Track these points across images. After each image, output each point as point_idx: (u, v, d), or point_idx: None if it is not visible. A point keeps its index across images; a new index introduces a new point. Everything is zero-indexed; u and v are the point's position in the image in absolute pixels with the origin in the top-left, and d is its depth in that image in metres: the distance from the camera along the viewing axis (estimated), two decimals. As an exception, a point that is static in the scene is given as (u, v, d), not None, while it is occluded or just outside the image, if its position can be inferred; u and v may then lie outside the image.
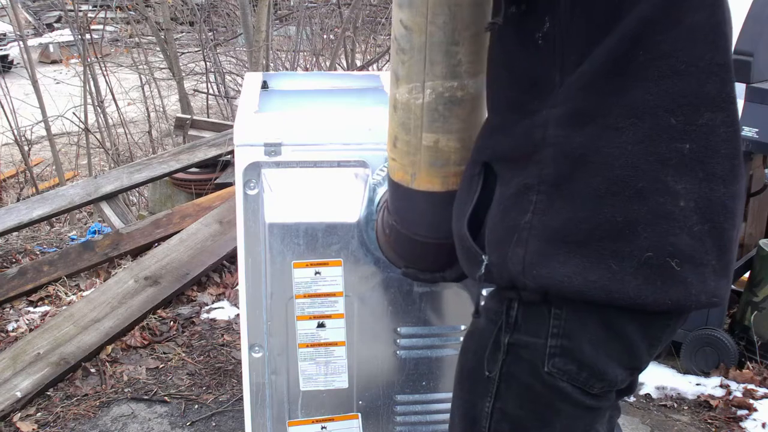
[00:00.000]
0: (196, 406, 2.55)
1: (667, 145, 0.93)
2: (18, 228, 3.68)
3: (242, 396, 1.73)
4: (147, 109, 6.17)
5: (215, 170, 4.25)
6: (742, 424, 2.45)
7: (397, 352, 1.72)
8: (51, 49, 11.13)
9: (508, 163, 1.04)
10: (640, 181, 0.93)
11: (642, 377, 2.70)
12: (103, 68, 5.88)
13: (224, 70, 6.34)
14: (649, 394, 2.64)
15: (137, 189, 4.94)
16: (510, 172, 1.03)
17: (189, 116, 5.02)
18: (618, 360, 1.03)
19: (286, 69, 5.99)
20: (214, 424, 2.46)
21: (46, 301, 3.24)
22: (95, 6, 7.17)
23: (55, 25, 12.16)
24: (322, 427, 1.74)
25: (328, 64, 5.97)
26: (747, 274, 2.90)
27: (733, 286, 2.86)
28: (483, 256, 1.04)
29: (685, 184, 0.94)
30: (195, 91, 6.84)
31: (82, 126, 5.76)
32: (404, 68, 1.23)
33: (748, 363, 2.70)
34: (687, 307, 0.97)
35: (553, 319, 1.01)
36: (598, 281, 0.94)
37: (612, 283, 0.94)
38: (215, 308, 3.19)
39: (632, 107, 0.93)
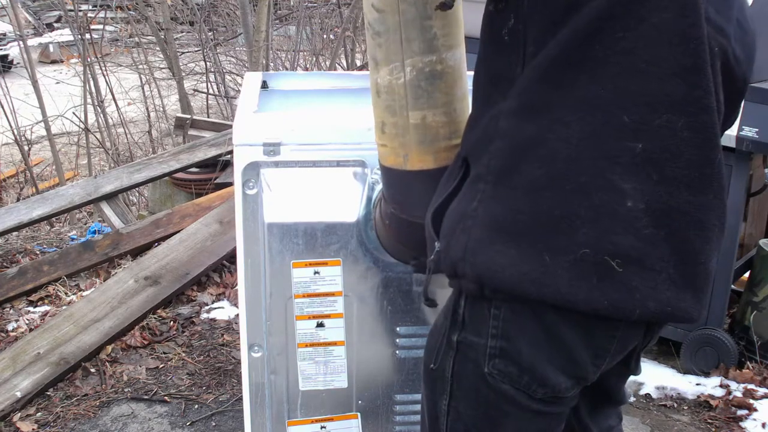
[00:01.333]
0: (196, 406, 2.55)
1: (617, 143, 0.91)
2: (18, 228, 3.68)
3: (242, 396, 1.73)
4: (147, 109, 6.17)
5: (215, 170, 4.25)
6: (742, 424, 2.45)
7: (397, 351, 1.72)
8: (51, 49, 11.13)
9: (473, 156, 1.03)
10: (582, 176, 0.91)
11: (642, 377, 2.70)
12: (103, 68, 5.88)
13: (224, 70, 6.34)
14: (649, 394, 2.64)
15: (137, 189, 4.94)
16: (473, 164, 1.03)
17: (189, 116, 5.02)
18: (559, 367, 1.00)
19: (286, 69, 5.98)
20: (214, 424, 2.46)
21: (46, 301, 3.24)
22: (95, 6, 7.17)
23: (55, 25, 12.16)
24: (322, 427, 1.74)
25: (328, 64, 5.97)
26: (747, 274, 2.90)
27: (733, 286, 2.86)
28: (436, 243, 1.04)
29: (635, 184, 0.91)
30: (195, 90, 6.84)
31: (82, 126, 5.76)
32: (381, 51, 1.24)
33: (748, 363, 2.70)
34: (630, 311, 0.93)
35: (492, 319, 0.99)
36: (530, 273, 0.92)
37: (544, 277, 0.92)
38: (215, 308, 3.19)
39: (583, 102, 0.91)
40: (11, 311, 3.16)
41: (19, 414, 2.47)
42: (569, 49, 0.91)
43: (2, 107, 5.32)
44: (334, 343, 1.66)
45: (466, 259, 0.97)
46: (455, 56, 1.24)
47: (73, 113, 5.78)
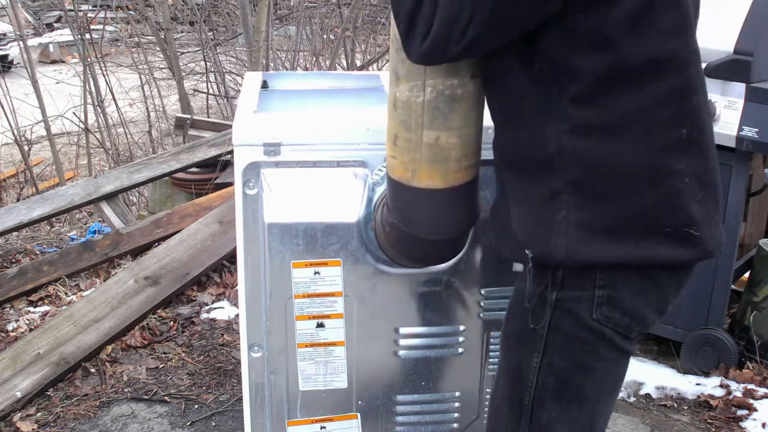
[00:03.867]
0: (196, 406, 2.55)
1: (666, 135, 1.11)
2: (18, 228, 3.68)
3: (242, 396, 1.73)
4: (147, 109, 6.17)
5: (215, 170, 4.25)
6: (742, 424, 2.45)
7: (397, 352, 1.72)
8: (51, 49, 11.12)
9: (518, 169, 1.19)
10: (649, 171, 1.11)
11: (642, 377, 2.70)
12: (103, 68, 5.87)
13: (224, 70, 6.34)
14: (649, 394, 2.64)
15: (137, 189, 4.94)
16: (524, 176, 1.18)
17: (189, 116, 5.02)
18: (653, 305, 1.21)
19: (286, 69, 5.98)
20: (214, 424, 2.46)
21: (46, 301, 3.24)
22: (95, 6, 7.17)
23: (55, 25, 12.16)
24: (321, 427, 1.74)
25: (328, 64, 5.97)
26: (747, 274, 2.89)
27: (733, 286, 2.86)
28: (527, 251, 1.18)
29: (686, 163, 1.13)
30: (195, 90, 6.83)
31: (82, 126, 5.75)
32: (404, 67, 1.24)
33: (748, 363, 2.70)
34: (703, 257, 1.18)
35: (599, 272, 1.16)
36: (633, 254, 1.13)
37: (646, 253, 1.13)
38: (215, 308, 3.19)
39: (630, 111, 1.09)
40: (11, 311, 3.16)
41: (19, 414, 2.48)
42: (606, 72, 1.08)
43: (2, 107, 5.32)
44: (334, 344, 1.66)
45: (568, 256, 1.14)
46: (477, 82, 1.25)
47: (73, 113, 5.78)
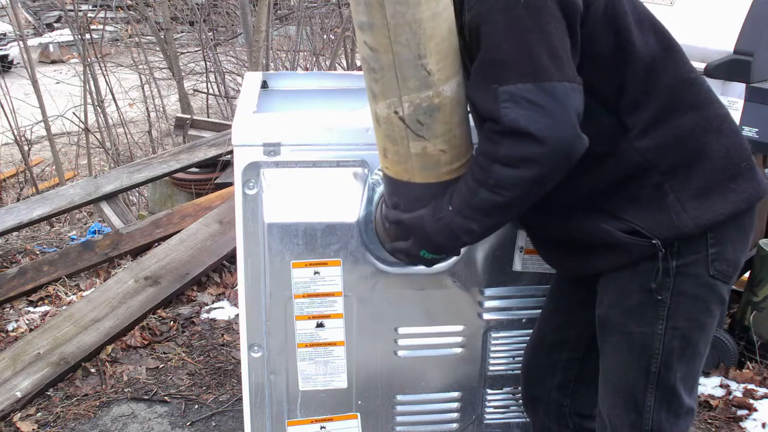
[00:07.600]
0: (196, 406, 2.55)
1: (703, 87, 1.36)
2: (18, 228, 3.68)
3: (242, 396, 1.73)
4: (147, 109, 6.17)
5: (215, 170, 4.25)
6: (742, 424, 2.45)
7: (397, 352, 1.72)
8: (51, 49, 11.12)
9: (612, 191, 1.35)
10: (711, 122, 1.34)
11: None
12: (103, 68, 5.87)
13: (224, 70, 6.34)
14: (649, 394, 2.64)
15: (137, 189, 4.94)
16: (621, 192, 1.34)
17: (189, 116, 5.02)
18: (743, 249, 1.40)
19: (286, 69, 5.98)
20: (214, 424, 2.46)
21: (46, 301, 3.23)
22: (95, 6, 7.17)
23: (55, 25, 12.17)
24: (321, 427, 1.74)
25: (328, 64, 5.97)
26: (747, 274, 2.89)
27: (733, 287, 2.85)
28: (654, 240, 1.33)
29: (724, 107, 1.38)
30: (195, 90, 6.83)
31: (82, 126, 5.76)
32: (378, 86, 1.26)
33: (748, 363, 2.70)
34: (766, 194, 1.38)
35: (709, 232, 1.34)
36: (734, 200, 1.33)
37: (739, 195, 1.33)
38: (215, 308, 3.19)
39: (672, 87, 1.31)
40: (11, 311, 3.16)
41: (19, 414, 2.47)
42: (645, 74, 1.30)
43: (2, 107, 5.32)
44: (334, 344, 1.67)
45: (695, 225, 1.32)
46: (452, 86, 1.25)
47: (73, 113, 5.78)
